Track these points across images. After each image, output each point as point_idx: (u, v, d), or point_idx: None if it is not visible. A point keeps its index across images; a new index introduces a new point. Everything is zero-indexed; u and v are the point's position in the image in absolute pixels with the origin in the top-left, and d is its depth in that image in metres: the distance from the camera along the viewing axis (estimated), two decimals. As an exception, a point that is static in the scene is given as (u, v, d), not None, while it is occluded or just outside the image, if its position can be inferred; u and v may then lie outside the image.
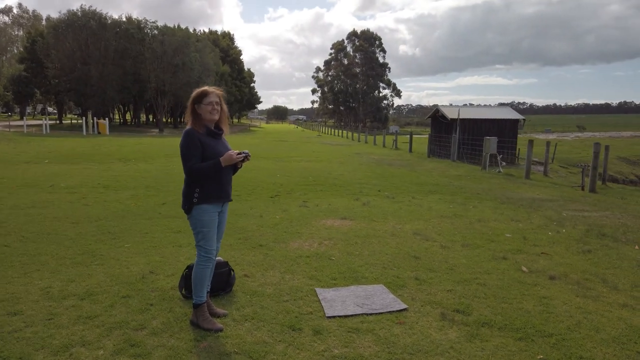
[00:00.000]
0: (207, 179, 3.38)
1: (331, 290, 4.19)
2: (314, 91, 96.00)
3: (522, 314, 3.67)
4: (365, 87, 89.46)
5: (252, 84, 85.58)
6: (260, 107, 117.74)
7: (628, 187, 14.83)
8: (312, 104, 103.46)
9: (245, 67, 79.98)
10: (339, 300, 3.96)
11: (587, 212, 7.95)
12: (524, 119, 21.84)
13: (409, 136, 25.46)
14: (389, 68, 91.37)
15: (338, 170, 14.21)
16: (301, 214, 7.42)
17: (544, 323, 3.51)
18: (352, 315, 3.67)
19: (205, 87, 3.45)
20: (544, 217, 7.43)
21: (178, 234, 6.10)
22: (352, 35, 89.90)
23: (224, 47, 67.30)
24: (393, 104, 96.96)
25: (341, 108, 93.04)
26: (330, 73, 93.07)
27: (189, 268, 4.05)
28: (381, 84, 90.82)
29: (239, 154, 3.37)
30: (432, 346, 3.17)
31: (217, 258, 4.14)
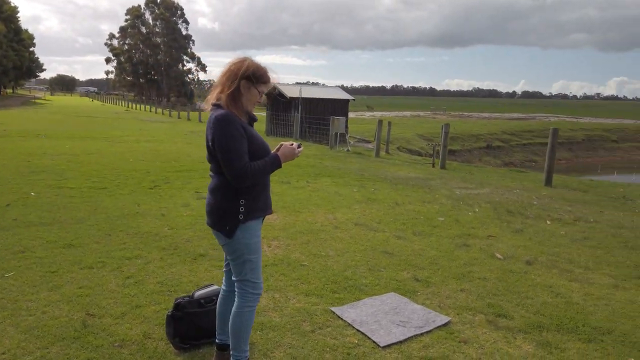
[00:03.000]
0: (255, 185, 2.37)
1: (349, 308, 3.49)
2: (108, 60, 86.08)
3: (555, 310, 3.57)
4: (168, 59, 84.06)
5: (31, 48, 72.50)
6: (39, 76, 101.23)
7: (455, 162, 16.84)
8: (107, 75, 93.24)
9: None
10: (371, 320, 3.30)
11: (471, 189, 8.58)
12: (353, 99, 23.05)
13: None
14: (193, 41, 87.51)
15: (195, 152, 12.80)
16: (210, 209, 6.28)
17: (587, 317, 3.46)
18: (405, 340, 3.07)
19: (264, 66, 2.38)
20: (445, 196, 7.73)
21: (70, 250, 4.51)
22: (151, 2, 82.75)
23: (-7, 0, 55.10)
24: (198, 78, 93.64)
25: (142, 80, 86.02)
26: (127, 41, 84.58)
27: (178, 308, 2.89)
28: (185, 57, 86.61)
29: (299, 146, 2.44)
30: (526, 365, 2.80)
31: (212, 287, 3.09)
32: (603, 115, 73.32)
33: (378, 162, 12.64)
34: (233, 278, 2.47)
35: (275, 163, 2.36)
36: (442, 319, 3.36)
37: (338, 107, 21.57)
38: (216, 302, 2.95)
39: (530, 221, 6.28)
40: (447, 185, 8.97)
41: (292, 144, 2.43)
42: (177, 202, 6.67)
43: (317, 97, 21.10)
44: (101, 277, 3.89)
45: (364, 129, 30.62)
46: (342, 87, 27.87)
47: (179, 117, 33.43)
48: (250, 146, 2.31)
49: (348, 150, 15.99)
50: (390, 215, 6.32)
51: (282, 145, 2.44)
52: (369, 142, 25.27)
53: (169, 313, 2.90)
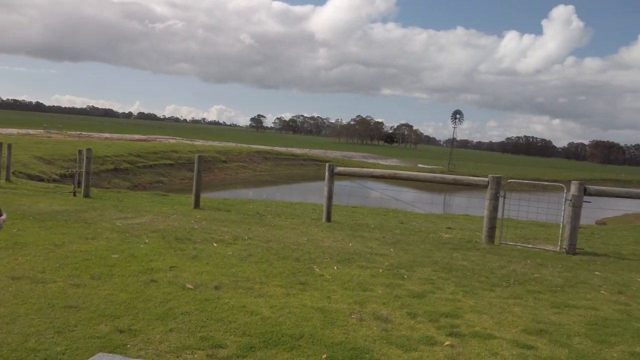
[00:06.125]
0: None
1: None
2: None
3: (256, 328, 3.98)
4: None
5: None
6: None
7: (109, 190, 15.53)
8: None
9: None
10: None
11: (131, 219, 8.28)
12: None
13: None
14: None
15: None
16: None
17: (281, 327, 4.01)
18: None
19: None
20: (108, 230, 7.23)
21: None
22: None
23: None
24: None
25: None
26: None
27: None
28: None
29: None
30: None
31: None
32: (210, 138, 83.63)
33: (3, 194, 10.55)
34: None
35: None
36: (167, 366, 3.25)
37: None
38: None
39: (199, 245, 6.67)
40: (104, 216, 8.41)
41: None
42: None
43: None
44: None
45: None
46: None
47: None
48: None
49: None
50: (54, 260, 5.49)
51: None
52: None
53: None
